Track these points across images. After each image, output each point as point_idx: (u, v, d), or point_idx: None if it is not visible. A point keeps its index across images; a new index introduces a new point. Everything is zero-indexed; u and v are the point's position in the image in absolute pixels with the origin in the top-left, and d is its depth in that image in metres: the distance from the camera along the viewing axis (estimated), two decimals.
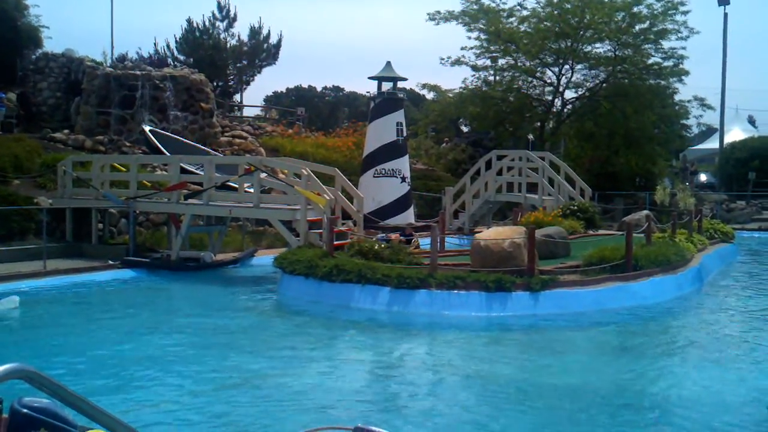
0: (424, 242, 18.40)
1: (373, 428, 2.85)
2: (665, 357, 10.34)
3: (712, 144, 52.59)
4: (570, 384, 8.58)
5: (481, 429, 7.03)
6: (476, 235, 15.17)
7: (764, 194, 37.91)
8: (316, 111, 55.86)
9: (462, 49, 36.52)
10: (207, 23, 40.18)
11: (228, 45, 40.77)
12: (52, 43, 44.35)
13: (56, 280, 15.55)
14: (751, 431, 6.91)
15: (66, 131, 25.30)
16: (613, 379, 8.83)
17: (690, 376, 9.02)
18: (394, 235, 17.98)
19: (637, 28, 34.29)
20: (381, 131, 26.10)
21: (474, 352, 10.49)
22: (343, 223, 17.71)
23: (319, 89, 65.74)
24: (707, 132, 59.39)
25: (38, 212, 18.11)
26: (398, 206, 25.95)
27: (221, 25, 40.76)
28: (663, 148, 37.52)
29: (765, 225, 32.58)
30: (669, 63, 35.09)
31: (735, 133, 50.97)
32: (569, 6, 33.81)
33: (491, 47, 36.08)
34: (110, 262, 17.44)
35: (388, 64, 26.87)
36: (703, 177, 49.91)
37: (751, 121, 66.57)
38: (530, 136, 36.45)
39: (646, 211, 20.89)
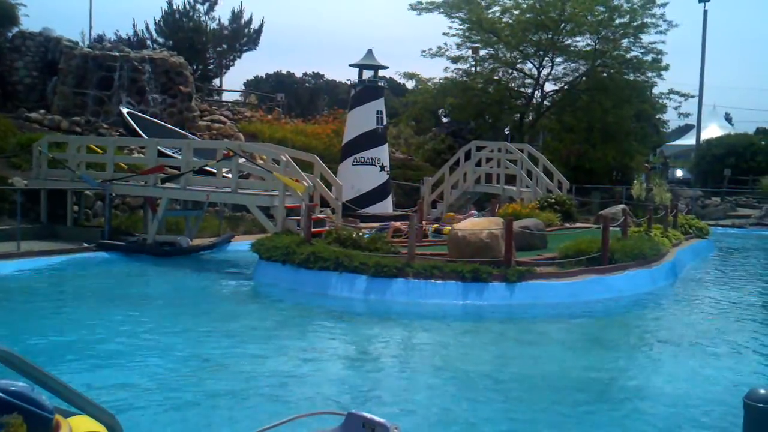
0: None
1: (366, 414, 2.87)
2: (637, 349, 10.46)
3: (689, 140, 53.15)
4: (544, 374, 8.64)
5: (455, 417, 7.07)
6: (454, 225, 15.20)
7: (739, 191, 38.37)
8: (296, 97, 55.48)
9: (444, 34, 36.55)
10: (187, 6, 39.84)
11: (208, 28, 40.43)
12: (29, 22, 43.76)
13: (30, 262, 15.38)
14: (723, 424, 6.99)
15: (42, 111, 25.00)
16: (586, 370, 8.90)
17: (662, 369, 9.13)
18: (397, 224, 18.12)
19: (617, 21, 34.44)
20: (361, 119, 26.03)
21: (449, 341, 10.54)
22: (322, 211, 17.67)
23: (299, 75, 65.39)
24: (684, 128, 59.99)
25: (12, 193, 17.89)
26: (377, 195, 25.91)
27: (202, 8, 40.47)
28: (640, 143, 37.80)
29: (739, 221, 33.00)
30: (648, 58, 35.32)
31: (712, 130, 51.55)
32: None
33: (472, 37, 36.10)
34: (85, 244, 17.29)
35: (370, 51, 26.77)
36: (679, 172, 50.44)
37: (728, 118, 67.29)
38: (509, 127, 36.55)
39: (622, 205, 21.06)
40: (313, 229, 14.95)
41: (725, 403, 7.49)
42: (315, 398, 7.46)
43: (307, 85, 65.02)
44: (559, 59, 36.22)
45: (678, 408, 7.46)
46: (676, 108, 38.10)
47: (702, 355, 9.83)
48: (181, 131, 23.12)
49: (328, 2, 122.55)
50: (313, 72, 66.89)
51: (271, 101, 40.92)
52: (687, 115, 41.48)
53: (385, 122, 26.90)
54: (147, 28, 39.52)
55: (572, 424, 6.97)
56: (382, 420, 2.87)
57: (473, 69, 37.75)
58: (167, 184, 17.92)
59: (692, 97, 38.25)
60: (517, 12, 34.74)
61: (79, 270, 15.52)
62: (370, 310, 12.22)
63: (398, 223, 18.05)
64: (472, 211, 20.82)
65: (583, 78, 36.20)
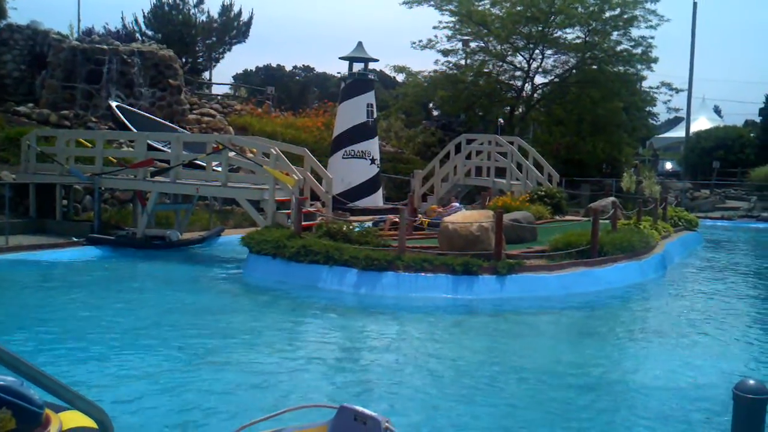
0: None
1: (358, 408, 2.87)
2: (627, 341, 10.50)
3: (679, 132, 53.34)
4: (533, 366, 8.67)
5: (446, 410, 7.09)
6: (444, 218, 15.21)
7: (728, 183, 38.55)
8: (286, 90, 55.36)
9: (434, 28, 36.60)
10: None
11: (198, 21, 40.24)
12: (17, 15, 43.46)
13: (18, 256, 15.33)
14: (712, 415, 7.03)
15: (30, 105, 24.85)
16: (576, 362, 8.94)
17: (651, 360, 9.17)
18: (393, 216, 18.11)
19: (607, 14, 34.49)
20: (351, 112, 25.99)
21: (440, 334, 10.55)
22: (312, 204, 17.66)
23: (289, 68, 65.26)
24: (674, 121, 60.17)
25: (1, 187, 17.79)
26: (367, 188, 25.91)
27: (191, 1, 40.20)
28: (630, 135, 37.92)
29: (728, 214, 33.18)
30: (638, 50, 35.39)
31: (701, 122, 51.76)
32: None
33: (463, 29, 36.11)
34: (74, 238, 17.23)
35: (360, 44, 26.72)
36: (668, 165, 50.66)
37: (717, 111, 67.55)
38: (500, 120, 36.56)
39: (612, 198, 21.10)
40: (303, 223, 14.94)
41: (714, 394, 7.54)
42: (306, 391, 7.47)
43: (297, 78, 64.91)
44: (549, 52, 36.30)
45: (667, 399, 7.50)
46: (665, 102, 38.26)
47: (691, 346, 9.89)
48: (170, 124, 23.00)
49: None
50: (303, 65, 66.92)
51: (261, 94, 40.79)
52: (677, 109, 41.67)
53: (375, 115, 26.88)
54: (136, 20, 39.29)
55: (562, 416, 7.00)
56: (373, 413, 2.88)
57: (463, 62, 37.76)
58: (157, 178, 17.86)
59: (682, 90, 38.44)
60: (507, 4, 34.73)
61: (68, 264, 15.46)
62: (361, 304, 12.23)
63: (394, 216, 18.06)
64: (454, 204, 20.83)
65: (573, 70, 36.26)
